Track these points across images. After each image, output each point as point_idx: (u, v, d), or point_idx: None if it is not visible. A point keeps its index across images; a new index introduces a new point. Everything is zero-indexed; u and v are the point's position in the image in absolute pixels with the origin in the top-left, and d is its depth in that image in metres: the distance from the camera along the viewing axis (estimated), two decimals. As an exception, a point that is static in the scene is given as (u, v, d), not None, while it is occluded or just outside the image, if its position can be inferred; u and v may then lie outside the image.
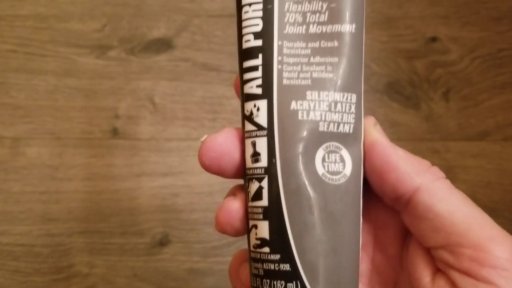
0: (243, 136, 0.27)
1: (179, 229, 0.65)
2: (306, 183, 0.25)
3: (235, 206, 0.27)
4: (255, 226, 0.25)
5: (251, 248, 0.26)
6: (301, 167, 0.25)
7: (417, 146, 0.66)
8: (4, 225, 0.65)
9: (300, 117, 0.25)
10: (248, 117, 0.26)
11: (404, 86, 0.70)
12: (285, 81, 0.26)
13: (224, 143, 0.26)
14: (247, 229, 0.26)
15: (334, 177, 0.25)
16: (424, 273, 0.25)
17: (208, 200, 0.66)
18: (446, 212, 0.24)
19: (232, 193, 0.28)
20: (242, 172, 0.27)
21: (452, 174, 0.66)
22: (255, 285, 0.26)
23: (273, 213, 0.25)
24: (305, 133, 0.25)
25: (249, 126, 0.26)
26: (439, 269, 0.25)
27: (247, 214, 0.26)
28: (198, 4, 0.75)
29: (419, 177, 0.24)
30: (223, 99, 0.70)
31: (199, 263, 0.63)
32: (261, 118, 0.26)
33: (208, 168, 0.26)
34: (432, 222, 0.24)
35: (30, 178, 0.67)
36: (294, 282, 0.24)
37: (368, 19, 0.74)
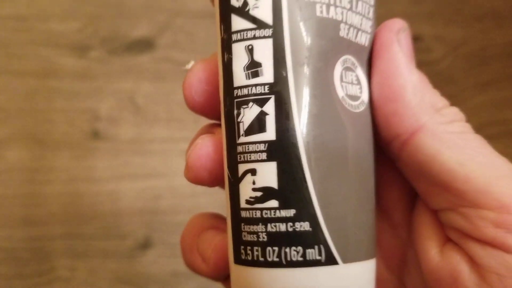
0: (226, 40, 0.19)
1: (162, 231, 0.64)
2: (329, 108, 0.18)
3: (212, 142, 0.21)
4: (252, 172, 0.19)
5: (244, 205, 0.19)
6: (321, 83, 0.18)
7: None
8: (-16, 229, 0.64)
9: (319, 13, 0.18)
10: (240, 10, 0.18)
11: (387, 85, 0.70)
12: None
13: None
14: (231, 178, 0.20)
15: (353, 103, 0.19)
16: (430, 243, 0.19)
17: (191, 201, 0.65)
18: (456, 162, 0.18)
19: (206, 130, 0.23)
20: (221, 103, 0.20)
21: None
22: (250, 258, 0.19)
23: (284, 149, 0.18)
24: (325, 37, 0.19)
25: (240, 23, 0.18)
26: (450, 238, 0.19)
27: (231, 157, 0.20)
28: (181, 4, 0.75)
29: (426, 114, 0.18)
30: (206, 99, 0.70)
31: (182, 265, 0.63)
32: (263, 11, 0.18)
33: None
34: (437, 176, 0.18)
35: (10, 181, 0.66)
36: (316, 248, 0.18)
37: (351, 18, 0.74)
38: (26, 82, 0.70)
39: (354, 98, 0.19)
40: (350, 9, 0.20)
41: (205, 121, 0.69)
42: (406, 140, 0.18)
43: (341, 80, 0.19)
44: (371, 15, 0.21)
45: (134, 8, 0.74)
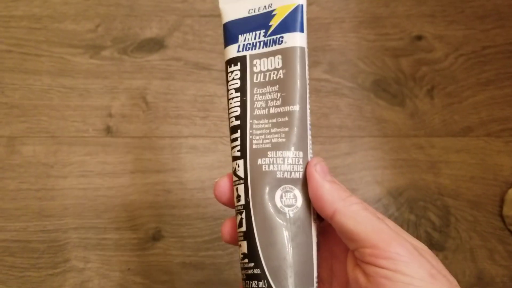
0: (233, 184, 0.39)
1: (171, 224, 0.66)
2: (270, 214, 0.36)
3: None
4: (240, 245, 0.37)
5: (240, 260, 0.37)
6: (266, 203, 0.36)
7: (403, 142, 0.68)
8: (0, 221, 0.66)
9: (264, 169, 0.36)
10: (234, 172, 0.38)
11: (390, 83, 0.71)
12: (254, 146, 0.37)
13: (225, 185, 0.39)
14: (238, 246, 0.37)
15: (288, 208, 0.36)
16: (350, 267, 0.35)
17: (199, 196, 0.67)
18: (353, 227, 0.33)
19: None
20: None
21: (436, 169, 0.67)
22: (244, 285, 0.37)
23: (248, 235, 0.36)
24: (267, 180, 0.36)
25: (234, 178, 0.38)
26: (357, 263, 0.34)
27: (237, 237, 0.38)
28: (190, 4, 0.76)
29: (335, 204, 0.34)
30: (214, 97, 0.71)
31: (191, 257, 0.64)
32: (240, 172, 0.37)
33: (219, 199, 0.39)
34: (346, 235, 0.34)
35: (26, 175, 0.68)
36: (263, 281, 0.35)
37: (356, 18, 0.75)
38: (40, 80, 0.72)
39: (290, 206, 0.36)
40: (283, 163, 0.36)
41: (212, 120, 0.71)
42: (331, 218, 0.34)
43: (281, 198, 0.36)
44: (301, 162, 0.36)
45: (145, 8, 0.76)
